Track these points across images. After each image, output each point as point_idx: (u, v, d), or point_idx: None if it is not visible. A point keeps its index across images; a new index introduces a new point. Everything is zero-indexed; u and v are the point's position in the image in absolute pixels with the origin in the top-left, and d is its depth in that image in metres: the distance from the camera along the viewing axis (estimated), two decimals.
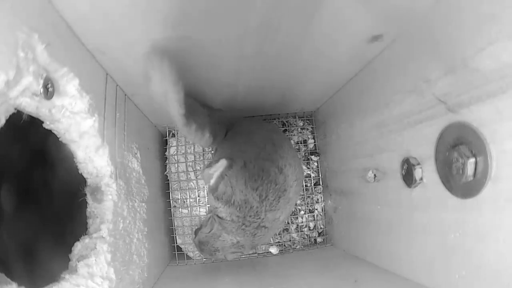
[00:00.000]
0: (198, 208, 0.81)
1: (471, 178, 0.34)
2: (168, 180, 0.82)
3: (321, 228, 0.83)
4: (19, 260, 0.43)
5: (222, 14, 0.38)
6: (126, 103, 0.56)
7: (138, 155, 0.60)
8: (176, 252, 0.79)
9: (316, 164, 0.85)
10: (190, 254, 0.80)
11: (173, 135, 0.84)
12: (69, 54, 0.37)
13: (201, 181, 0.81)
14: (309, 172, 0.85)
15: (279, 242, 0.82)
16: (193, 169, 0.82)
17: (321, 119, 0.82)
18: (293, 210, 0.82)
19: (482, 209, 0.33)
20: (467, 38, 0.34)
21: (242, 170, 0.58)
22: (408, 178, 0.44)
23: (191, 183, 0.81)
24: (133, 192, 0.55)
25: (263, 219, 0.58)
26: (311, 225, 0.83)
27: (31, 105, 0.32)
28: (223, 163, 0.59)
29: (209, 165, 0.62)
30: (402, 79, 0.46)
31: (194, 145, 0.83)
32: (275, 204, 0.58)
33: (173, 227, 0.80)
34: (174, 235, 0.80)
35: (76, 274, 0.40)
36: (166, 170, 0.82)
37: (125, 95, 0.56)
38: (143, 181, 0.61)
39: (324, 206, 0.83)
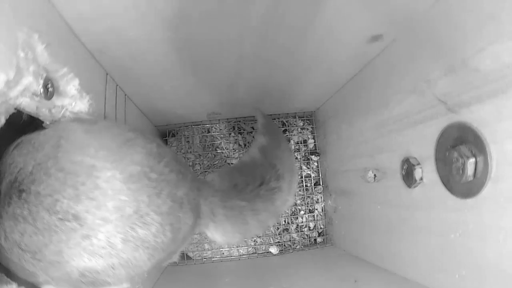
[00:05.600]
0: None
1: (471, 178, 0.34)
2: None
3: (321, 228, 0.83)
4: None
5: (222, 14, 0.38)
6: (126, 103, 0.56)
7: None
8: None
9: (316, 164, 0.85)
10: (190, 254, 0.80)
11: (173, 135, 0.84)
12: (69, 54, 0.37)
13: None
14: (309, 172, 0.85)
15: (279, 242, 0.82)
16: (193, 169, 0.82)
17: (321, 119, 0.82)
18: (292, 210, 0.82)
19: (482, 209, 0.33)
20: (467, 38, 0.34)
21: None
22: (408, 178, 0.44)
23: None
24: None
25: None
26: (311, 225, 0.83)
27: (31, 105, 0.32)
28: None
29: None
30: (402, 79, 0.46)
31: (194, 145, 0.83)
32: None
33: None
34: None
35: None
36: None
37: (125, 95, 0.56)
38: None
39: (324, 206, 0.83)
